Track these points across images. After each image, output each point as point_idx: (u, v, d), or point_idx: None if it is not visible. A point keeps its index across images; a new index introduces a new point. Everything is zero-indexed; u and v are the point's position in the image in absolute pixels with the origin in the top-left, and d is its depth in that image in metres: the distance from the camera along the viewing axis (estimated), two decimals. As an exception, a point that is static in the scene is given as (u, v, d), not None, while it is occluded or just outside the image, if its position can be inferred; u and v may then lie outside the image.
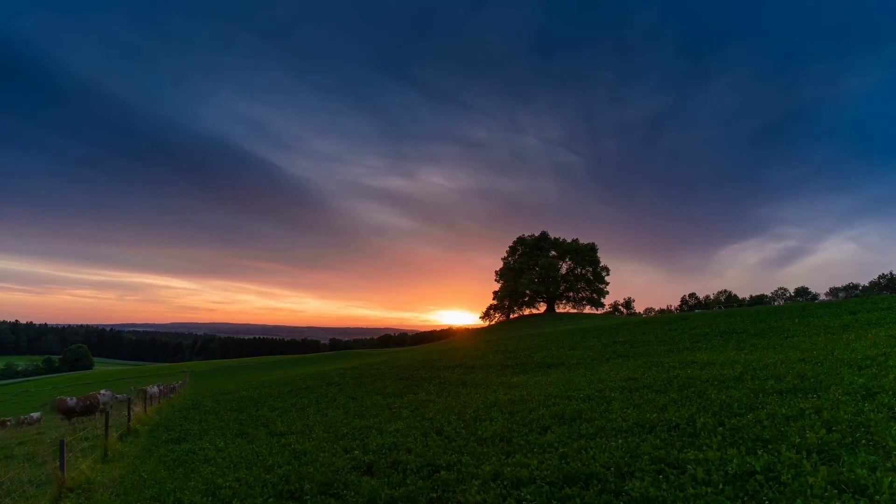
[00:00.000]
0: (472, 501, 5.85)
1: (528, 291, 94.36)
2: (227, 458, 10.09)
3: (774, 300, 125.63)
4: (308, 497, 6.89)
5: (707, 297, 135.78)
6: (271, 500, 7.02)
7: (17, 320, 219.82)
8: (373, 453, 8.67)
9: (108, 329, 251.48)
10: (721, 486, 5.10)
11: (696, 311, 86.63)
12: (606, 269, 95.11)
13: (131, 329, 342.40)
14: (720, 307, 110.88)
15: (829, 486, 4.67)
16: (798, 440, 6.02)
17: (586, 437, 7.81)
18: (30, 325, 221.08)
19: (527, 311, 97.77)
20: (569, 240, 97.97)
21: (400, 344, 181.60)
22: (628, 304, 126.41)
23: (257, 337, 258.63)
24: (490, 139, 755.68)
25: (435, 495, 6.27)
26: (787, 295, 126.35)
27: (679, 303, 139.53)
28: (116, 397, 25.45)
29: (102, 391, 22.79)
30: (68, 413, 19.84)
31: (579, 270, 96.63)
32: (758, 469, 5.31)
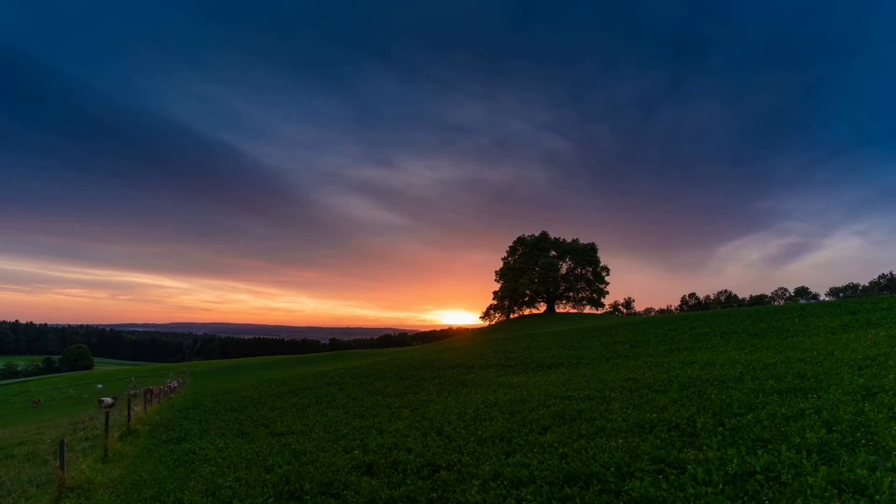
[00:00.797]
0: (472, 501, 5.85)
1: (528, 291, 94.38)
2: (227, 458, 10.08)
3: (774, 300, 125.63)
4: (308, 497, 6.89)
5: (707, 297, 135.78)
6: (271, 500, 7.02)
7: (17, 320, 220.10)
8: (373, 453, 8.67)
9: (108, 329, 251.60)
10: (721, 486, 5.10)
11: (699, 310, 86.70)
12: (606, 269, 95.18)
13: (131, 329, 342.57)
14: (720, 307, 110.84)
15: (829, 486, 4.67)
16: (798, 440, 6.02)
17: (586, 437, 7.81)
18: (30, 325, 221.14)
19: (527, 311, 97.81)
20: (569, 240, 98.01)
21: (400, 344, 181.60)
22: (628, 304, 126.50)
23: (257, 337, 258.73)
24: (471, 122, 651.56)
25: (435, 495, 6.27)
26: (788, 295, 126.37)
27: (679, 303, 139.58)
28: (133, 391, 26.27)
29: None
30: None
31: (579, 270, 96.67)
32: (758, 469, 5.31)
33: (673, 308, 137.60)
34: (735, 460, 5.64)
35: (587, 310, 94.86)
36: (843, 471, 4.92)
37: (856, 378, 8.91)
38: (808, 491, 4.63)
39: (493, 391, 14.45)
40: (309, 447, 9.95)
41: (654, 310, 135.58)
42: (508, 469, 6.66)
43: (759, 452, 5.83)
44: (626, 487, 5.48)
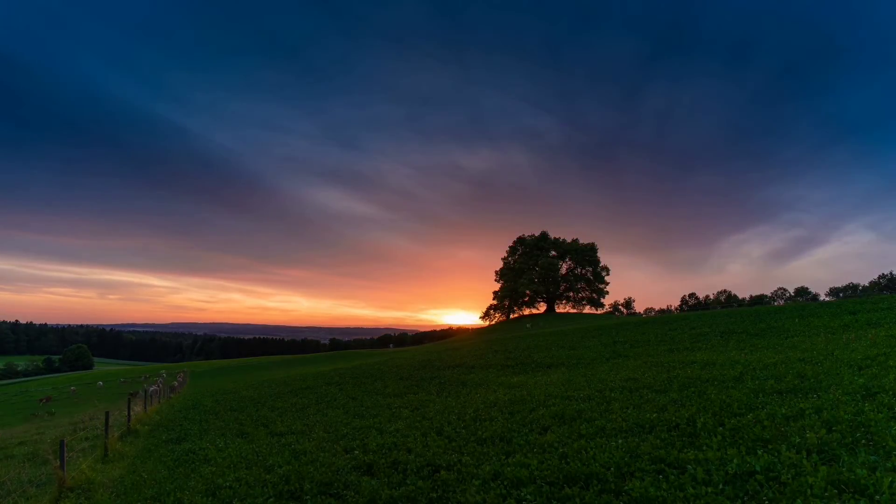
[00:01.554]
0: (472, 501, 5.85)
1: (528, 291, 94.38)
2: (227, 458, 10.08)
3: (774, 300, 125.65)
4: (308, 497, 6.89)
5: (707, 296, 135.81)
6: (271, 500, 7.02)
7: (17, 320, 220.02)
8: (373, 453, 8.67)
9: (108, 329, 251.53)
10: (721, 486, 5.10)
11: (699, 310, 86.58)
12: (606, 269, 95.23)
13: (131, 329, 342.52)
14: (720, 307, 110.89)
15: (829, 486, 4.67)
16: (798, 440, 6.03)
17: (586, 437, 7.81)
18: (30, 325, 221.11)
19: (527, 311, 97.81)
20: (568, 240, 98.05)
21: (400, 344, 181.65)
22: (628, 304, 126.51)
23: (257, 337, 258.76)
24: (439, 93, 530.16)
25: (435, 495, 6.27)
26: (788, 295, 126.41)
27: (679, 303, 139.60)
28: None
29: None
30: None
31: (579, 270, 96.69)
32: (758, 469, 5.31)
33: (673, 308, 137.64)
34: (735, 460, 5.64)
35: (587, 310, 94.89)
36: (843, 471, 4.92)
37: (856, 378, 8.91)
38: (808, 491, 4.63)
39: (493, 391, 14.45)
40: (309, 447, 9.95)
41: (654, 310, 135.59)
42: (508, 469, 6.66)
43: (759, 452, 5.83)
44: (626, 487, 5.48)
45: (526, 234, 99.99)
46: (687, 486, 5.20)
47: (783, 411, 7.41)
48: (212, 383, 40.05)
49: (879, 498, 4.34)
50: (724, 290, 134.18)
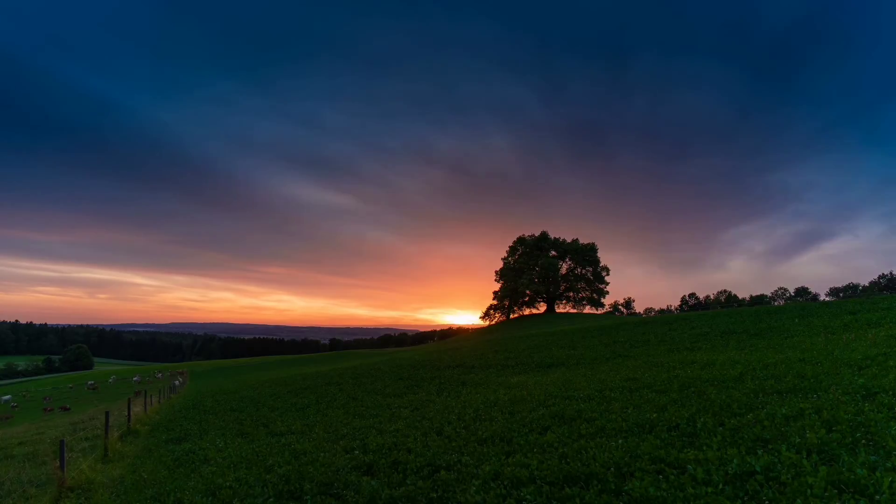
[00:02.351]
0: (472, 501, 5.85)
1: (528, 291, 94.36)
2: (227, 458, 10.08)
3: (774, 300, 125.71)
4: (308, 497, 6.89)
5: (707, 296, 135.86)
6: (271, 500, 7.02)
7: (17, 320, 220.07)
8: (373, 453, 8.67)
9: (108, 329, 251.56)
10: (721, 486, 5.09)
11: (699, 310, 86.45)
12: (606, 269, 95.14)
13: (131, 329, 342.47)
14: (720, 307, 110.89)
15: (829, 486, 4.67)
16: (798, 440, 6.02)
17: (586, 437, 7.81)
18: (30, 325, 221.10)
19: (527, 311, 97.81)
20: (568, 239, 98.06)
21: (400, 344, 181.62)
22: (628, 304, 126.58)
23: (257, 337, 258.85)
24: (398, 52, 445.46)
25: (435, 495, 6.27)
26: (788, 295, 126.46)
27: (679, 303, 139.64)
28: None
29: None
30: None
31: (579, 270, 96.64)
32: (758, 469, 5.31)
33: (673, 308, 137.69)
34: (735, 460, 5.64)
35: (587, 310, 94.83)
36: (843, 471, 4.92)
37: (856, 378, 8.91)
38: (808, 491, 4.62)
39: (493, 391, 14.45)
40: (309, 447, 9.94)
41: (654, 310, 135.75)
42: (508, 469, 6.66)
43: (759, 452, 5.83)
44: (626, 487, 5.48)
45: (526, 234, 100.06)
46: (687, 486, 5.20)
47: (783, 411, 7.41)
48: (212, 383, 40.05)
49: (879, 498, 4.34)
50: (725, 290, 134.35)
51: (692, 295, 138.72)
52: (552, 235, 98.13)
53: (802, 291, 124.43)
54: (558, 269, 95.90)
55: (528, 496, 5.71)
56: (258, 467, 8.88)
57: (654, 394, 10.36)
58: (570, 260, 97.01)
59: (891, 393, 7.53)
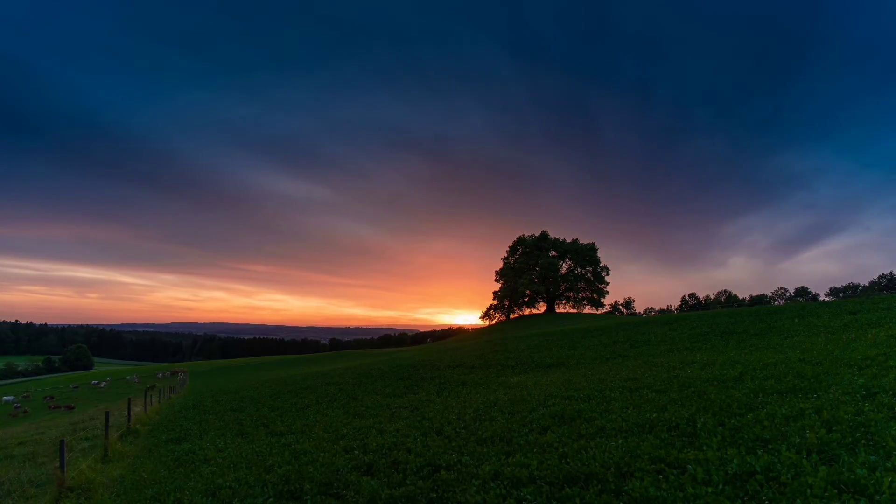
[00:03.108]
0: (472, 501, 5.85)
1: (528, 291, 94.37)
2: (227, 458, 10.08)
3: (774, 300, 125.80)
4: (308, 497, 6.89)
5: (707, 296, 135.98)
6: (271, 500, 7.02)
7: (17, 320, 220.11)
8: (373, 453, 8.67)
9: (108, 329, 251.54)
10: (721, 486, 5.09)
11: (699, 310, 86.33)
12: (606, 269, 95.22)
13: (131, 329, 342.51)
14: (720, 307, 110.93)
15: (829, 486, 4.67)
16: (798, 440, 6.02)
17: (586, 437, 7.81)
18: (30, 325, 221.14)
19: (527, 311, 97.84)
20: (568, 240, 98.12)
21: (400, 344, 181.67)
22: (628, 304, 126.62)
23: (257, 337, 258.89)
24: (361, 16, 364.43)
25: (435, 495, 6.27)
26: (788, 295, 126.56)
27: (679, 303, 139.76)
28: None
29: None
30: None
31: (579, 270, 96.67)
32: (758, 469, 5.31)
33: (673, 308, 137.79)
34: (735, 460, 5.64)
35: (587, 310, 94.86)
36: (843, 471, 4.92)
37: (856, 378, 8.90)
38: (808, 491, 4.62)
39: (493, 391, 14.45)
40: (309, 447, 9.95)
41: (654, 310, 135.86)
42: (508, 469, 6.66)
43: (759, 452, 5.83)
44: (626, 487, 5.48)
45: (526, 234, 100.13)
46: (687, 486, 5.20)
47: (783, 411, 7.41)
48: (212, 383, 40.05)
49: (879, 498, 4.34)
50: (725, 290, 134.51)
51: (692, 295, 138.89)
52: (552, 235, 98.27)
53: (802, 291, 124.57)
54: (558, 269, 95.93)
55: (528, 496, 5.71)
56: (258, 467, 8.88)
57: (654, 394, 10.36)
58: (570, 260, 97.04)
59: (891, 393, 7.53)
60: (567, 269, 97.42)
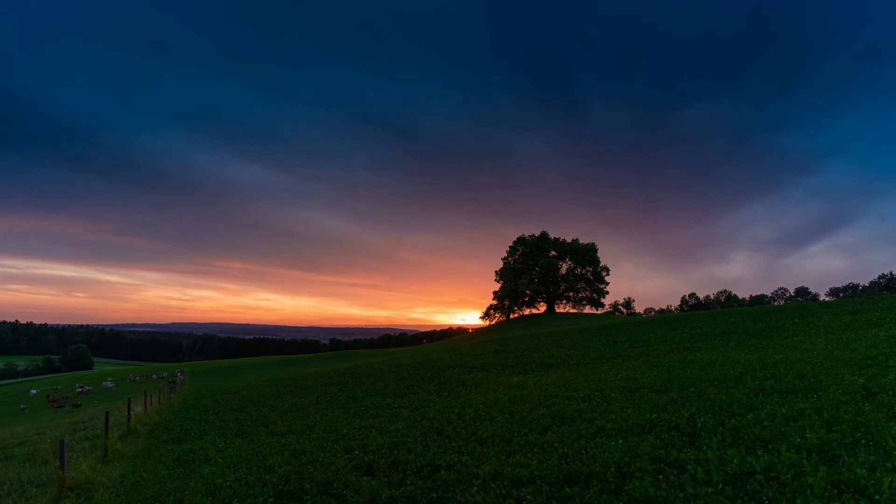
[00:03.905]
0: (472, 501, 5.85)
1: (528, 291, 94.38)
2: (228, 458, 10.09)
3: (774, 300, 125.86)
4: (308, 497, 6.89)
5: (707, 296, 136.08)
6: (271, 500, 7.02)
7: (17, 320, 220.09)
8: (373, 453, 8.67)
9: (108, 329, 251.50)
10: (721, 486, 5.10)
11: (699, 310, 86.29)
12: (606, 269, 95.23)
13: (131, 329, 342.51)
14: (720, 307, 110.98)
15: (829, 486, 4.67)
16: (798, 440, 6.02)
17: (586, 437, 7.81)
18: (30, 325, 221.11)
19: (527, 311, 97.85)
20: (568, 240, 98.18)
21: (400, 344, 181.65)
22: (628, 304, 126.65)
23: (257, 337, 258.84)
24: None
25: (435, 495, 6.27)
26: (788, 295, 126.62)
27: (679, 303, 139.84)
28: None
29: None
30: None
31: (579, 270, 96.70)
32: (758, 469, 5.31)
33: (673, 308, 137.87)
34: (735, 460, 5.64)
35: (587, 310, 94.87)
36: (843, 471, 4.92)
37: (856, 378, 8.90)
38: (808, 491, 4.63)
39: (493, 391, 14.45)
40: (309, 447, 9.95)
41: (654, 310, 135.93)
42: (508, 469, 6.66)
43: (759, 452, 5.83)
44: (626, 487, 5.48)
45: (526, 234, 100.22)
46: (687, 486, 5.20)
47: (783, 411, 7.41)
48: (212, 383, 40.05)
49: (879, 498, 4.34)
50: (725, 290, 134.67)
51: (692, 295, 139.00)
52: (552, 235, 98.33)
53: (802, 291, 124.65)
54: (558, 269, 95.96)
55: (528, 496, 5.71)
56: (258, 467, 8.88)
57: (654, 394, 10.36)
58: (570, 260, 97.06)
59: (891, 393, 7.53)
60: (567, 269, 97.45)
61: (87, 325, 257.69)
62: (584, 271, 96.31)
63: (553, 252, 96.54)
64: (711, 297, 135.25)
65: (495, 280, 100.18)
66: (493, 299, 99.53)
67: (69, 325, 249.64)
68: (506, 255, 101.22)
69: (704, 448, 6.34)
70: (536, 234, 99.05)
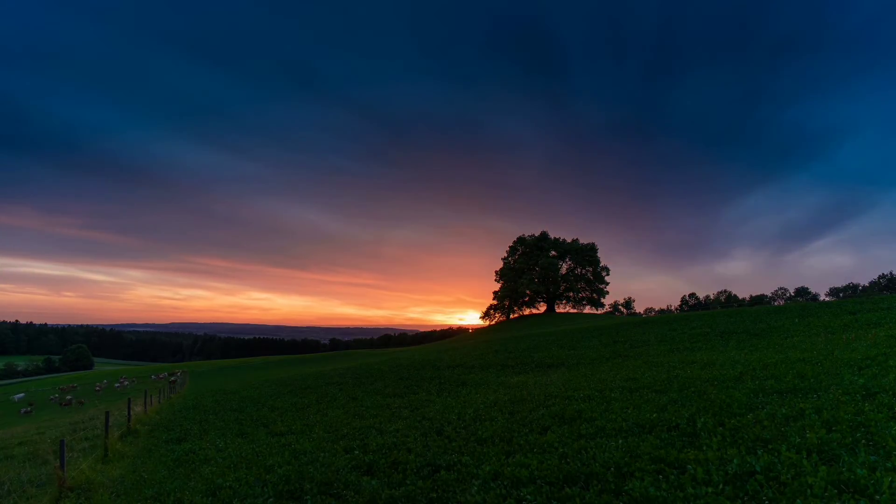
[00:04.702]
0: (472, 501, 5.85)
1: (528, 291, 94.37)
2: (227, 458, 10.08)
3: (774, 300, 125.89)
4: (308, 497, 6.89)
5: (707, 296, 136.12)
6: (271, 500, 7.02)
7: (17, 320, 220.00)
8: (373, 453, 8.67)
9: (108, 329, 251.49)
10: (721, 486, 5.10)
11: (699, 310, 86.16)
12: (606, 269, 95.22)
13: (131, 329, 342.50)
14: (720, 307, 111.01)
15: (829, 486, 4.67)
16: (798, 440, 6.02)
17: (586, 437, 7.81)
18: (30, 325, 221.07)
19: (527, 311, 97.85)
20: (568, 240, 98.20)
21: (400, 344, 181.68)
22: (628, 304, 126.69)
23: (257, 337, 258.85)
24: None
25: (435, 495, 6.27)
26: (788, 295, 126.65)
27: (679, 303, 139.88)
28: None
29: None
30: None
31: (579, 270, 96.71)
32: (758, 469, 5.31)
33: (673, 308, 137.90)
34: (735, 460, 5.64)
35: (587, 310, 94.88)
36: (843, 471, 4.92)
37: (856, 378, 8.90)
38: (808, 491, 4.63)
39: (493, 391, 14.45)
40: (309, 447, 9.95)
41: (654, 310, 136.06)
42: (508, 469, 6.66)
43: (759, 452, 5.83)
44: (626, 487, 5.48)
45: (526, 234, 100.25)
46: (687, 486, 5.20)
47: (783, 411, 7.41)
48: (212, 383, 40.05)
49: (879, 498, 4.34)
50: (725, 290, 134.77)
51: (692, 295, 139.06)
52: (552, 235, 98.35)
53: (802, 291, 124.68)
54: (558, 269, 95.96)
55: (528, 496, 5.71)
56: (258, 467, 8.88)
57: (654, 394, 10.36)
58: (570, 260, 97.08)
59: (891, 393, 7.53)
60: (567, 269, 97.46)
61: (87, 325, 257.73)
62: (584, 271, 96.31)
63: (553, 252, 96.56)
64: (711, 297, 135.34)
65: (495, 280, 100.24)
66: (493, 299, 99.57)
67: (69, 325, 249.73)
68: (506, 255, 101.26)
69: (704, 448, 6.34)
70: (536, 234, 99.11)
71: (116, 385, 53.20)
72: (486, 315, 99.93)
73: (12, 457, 13.96)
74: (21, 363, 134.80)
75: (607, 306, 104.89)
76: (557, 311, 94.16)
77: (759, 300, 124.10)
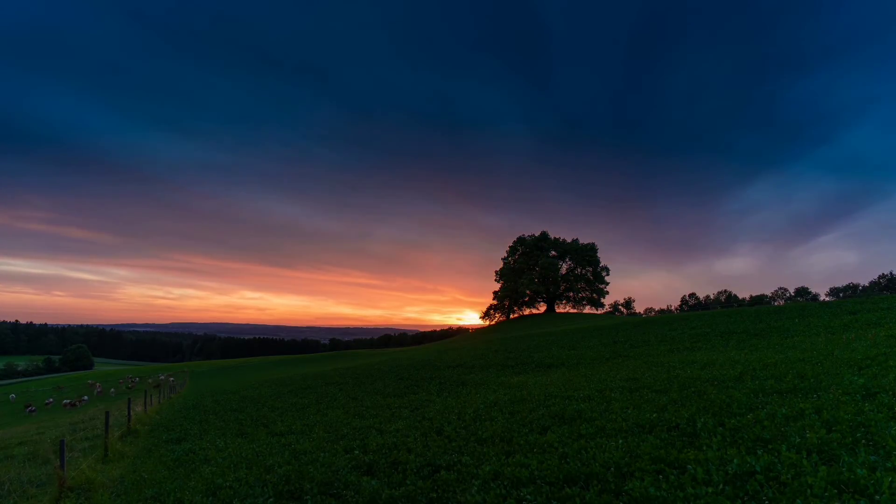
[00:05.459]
0: (472, 501, 5.85)
1: (528, 291, 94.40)
2: (228, 458, 10.08)
3: (774, 300, 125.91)
4: (308, 497, 6.89)
5: (707, 296, 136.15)
6: (271, 500, 7.02)
7: (17, 320, 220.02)
8: (373, 453, 8.67)
9: (108, 329, 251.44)
10: (721, 486, 5.10)
11: (699, 310, 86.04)
12: (606, 269, 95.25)
13: (132, 329, 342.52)
14: (720, 307, 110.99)
15: (829, 486, 4.67)
16: (798, 440, 6.02)
17: (586, 437, 7.81)
18: (30, 325, 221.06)
19: (527, 311, 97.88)
20: (568, 240, 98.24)
21: (400, 344, 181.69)
22: (628, 304, 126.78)
23: (257, 337, 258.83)
24: None
25: (435, 495, 6.27)
26: (788, 295, 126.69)
27: (679, 303, 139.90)
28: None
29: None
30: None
31: (579, 270, 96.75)
32: (758, 469, 5.31)
33: (673, 308, 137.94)
34: (735, 460, 5.64)
35: (587, 310, 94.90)
36: (843, 471, 4.92)
37: (856, 378, 8.90)
38: (808, 491, 4.63)
39: (493, 391, 14.44)
40: (309, 447, 9.95)
41: (654, 310, 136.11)
42: (508, 469, 6.66)
43: (759, 452, 5.83)
44: (626, 487, 5.48)
45: (526, 234, 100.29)
46: (687, 486, 5.20)
47: (783, 411, 7.41)
48: (212, 383, 40.05)
49: (879, 498, 4.34)
50: (725, 290, 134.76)
51: (692, 295, 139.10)
52: (552, 235, 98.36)
53: (803, 291, 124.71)
54: (558, 269, 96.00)
55: (528, 496, 5.71)
56: (258, 467, 8.88)
57: (654, 394, 10.36)
58: (569, 260, 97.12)
59: (891, 393, 7.53)
60: (567, 269, 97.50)
61: (87, 325, 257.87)
62: (583, 271, 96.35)
63: (553, 252, 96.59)
64: (711, 296, 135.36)
65: (495, 280, 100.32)
66: (493, 299, 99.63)
67: (69, 325, 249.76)
68: (506, 255, 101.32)
69: (704, 448, 6.34)
70: (536, 234, 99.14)
71: (112, 391, 53.22)
72: (486, 315, 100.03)
73: (12, 457, 13.95)
74: (21, 363, 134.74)
75: (607, 306, 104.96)
76: (557, 311, 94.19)
77: (759, 300, 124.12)
